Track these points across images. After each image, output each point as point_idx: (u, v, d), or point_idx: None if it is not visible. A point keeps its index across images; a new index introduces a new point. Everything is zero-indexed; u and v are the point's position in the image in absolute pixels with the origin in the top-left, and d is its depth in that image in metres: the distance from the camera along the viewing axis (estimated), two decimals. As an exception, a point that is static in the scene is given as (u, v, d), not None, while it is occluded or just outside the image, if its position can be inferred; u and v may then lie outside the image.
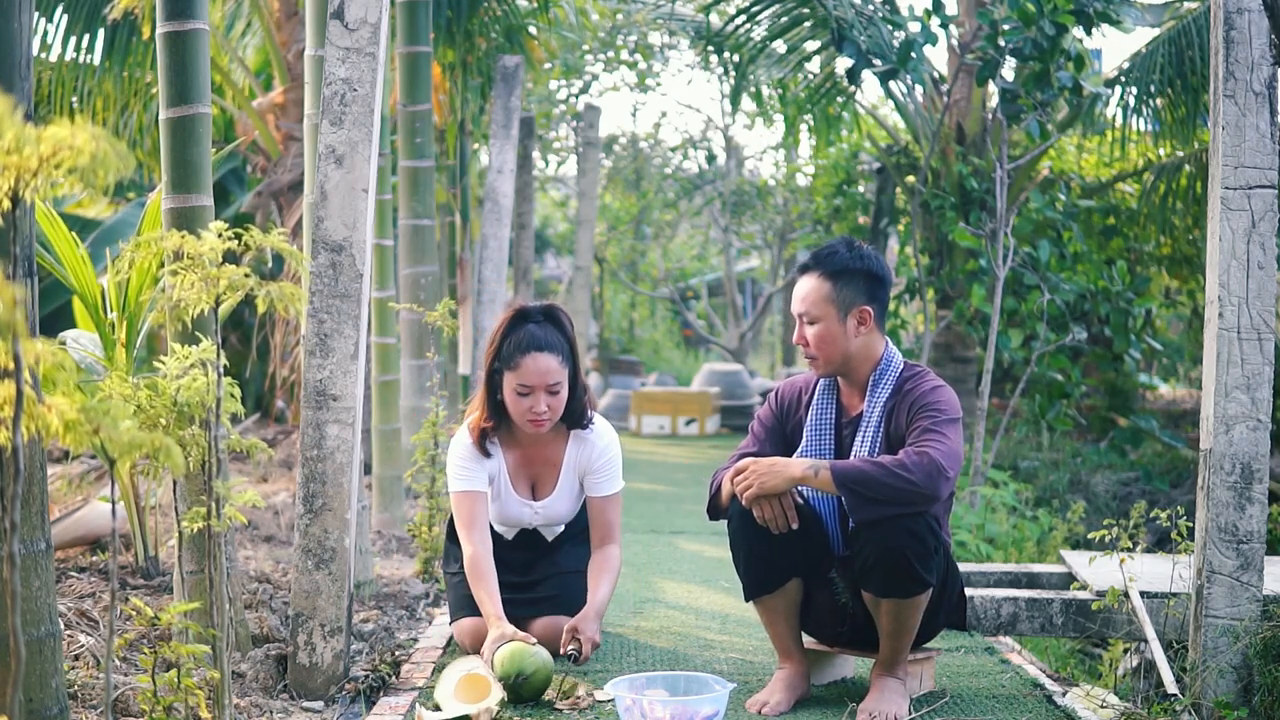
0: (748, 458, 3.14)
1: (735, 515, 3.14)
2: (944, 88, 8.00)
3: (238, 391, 2.73)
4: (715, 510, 3.25)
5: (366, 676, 3.31)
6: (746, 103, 13.85)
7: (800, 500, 3.15)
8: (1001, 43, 6.24)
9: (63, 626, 3.33)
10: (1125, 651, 4.58)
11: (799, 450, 3.24)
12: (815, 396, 3.28)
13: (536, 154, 14.32)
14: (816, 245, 10.98)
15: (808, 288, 3.17)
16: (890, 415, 3.13)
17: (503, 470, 3.64)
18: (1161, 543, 5.63)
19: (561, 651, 3.41)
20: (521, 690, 3.12)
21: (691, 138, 16.25)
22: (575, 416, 3.61)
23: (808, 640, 3.35)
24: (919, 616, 3.04)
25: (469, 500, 3.56)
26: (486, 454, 3.60)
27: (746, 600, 3.22)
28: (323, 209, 3.31)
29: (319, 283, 3.29)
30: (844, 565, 3.19)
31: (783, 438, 3.31)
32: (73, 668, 3.13)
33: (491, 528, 3.75)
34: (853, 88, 8.36)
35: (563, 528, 3.79)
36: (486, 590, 3.46)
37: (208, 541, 2.64)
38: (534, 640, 3.27)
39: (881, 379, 3.17)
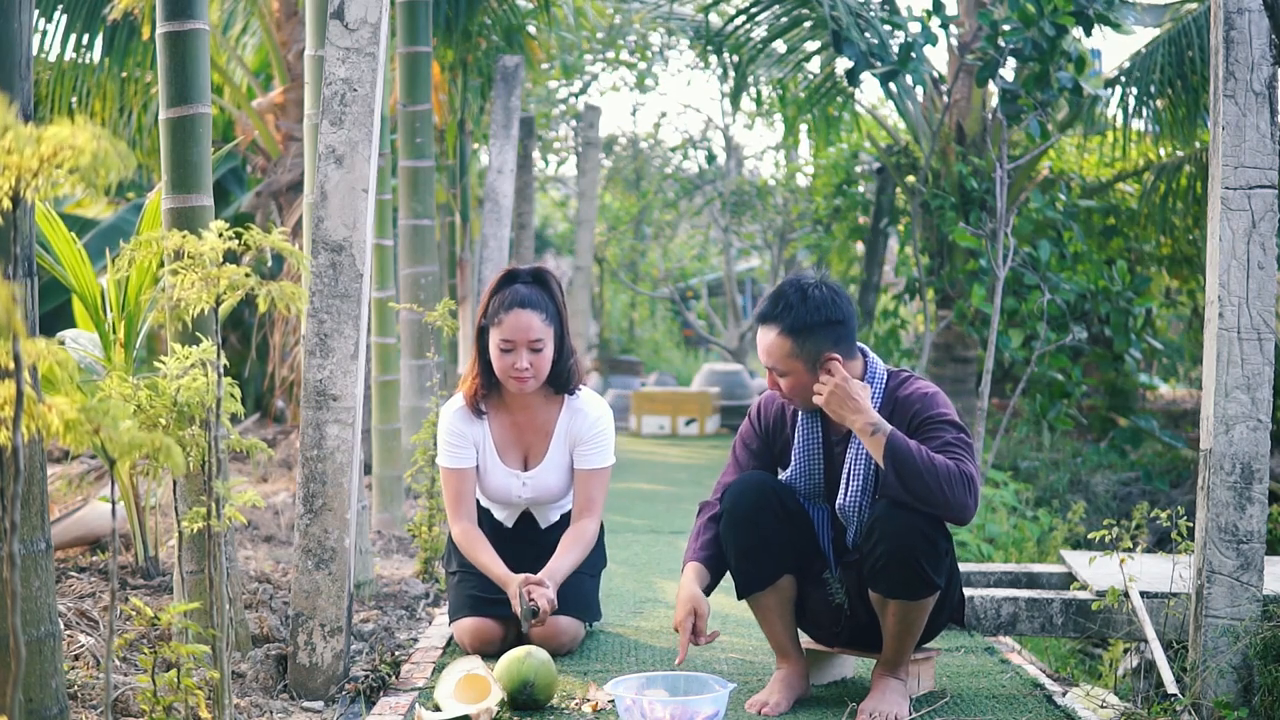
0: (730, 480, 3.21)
1: (725, 513, 3.13)
2: (944, 88, 8.00)
3: (238, 391, 2.73)
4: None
5: (366, 676, 3.31)
6: (746, 103, 13.85)
7: (795, 506, 3.17)
8: (1001, 43, 6.24)
9: (63, 626, 3.33)
10: (1125, 651, 4.59)
11: (788, 471, 3.20)
12: (801, 415, 3.20)
13: (536, 154, 14.32)
14: (817, 245, 11.08)
15: (769, 342, 3.07)
16: None
17: (488, 439, 3.70)
18: (1161, 543, 5.63)
19: (516, 609, 3.42)
20: (535, 695, 3.08)
21: (691, 138, 16.23)
22: (561, 380, 3.66)
23: (807, 640, 3.34)
24: (925, 618, 3.04)
25: (456, 477, 3.68)
26: (479, 413, 3.68)
27: (739, 598, 3.21)
28: (323, 209, 3.31)
29: (319, 283, 3.29)
30: (848, 566, 3.19)
31: (770, 458, 3.27)
32: (73, 668, 3.13)
33: (491, 515, 3.77)
34: (852, 88, 8.36)
35: (557, 516, 3.80)
36: (486, 555, 3.59)
37: (208, 541, 2.64)
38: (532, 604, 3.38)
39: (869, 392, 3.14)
